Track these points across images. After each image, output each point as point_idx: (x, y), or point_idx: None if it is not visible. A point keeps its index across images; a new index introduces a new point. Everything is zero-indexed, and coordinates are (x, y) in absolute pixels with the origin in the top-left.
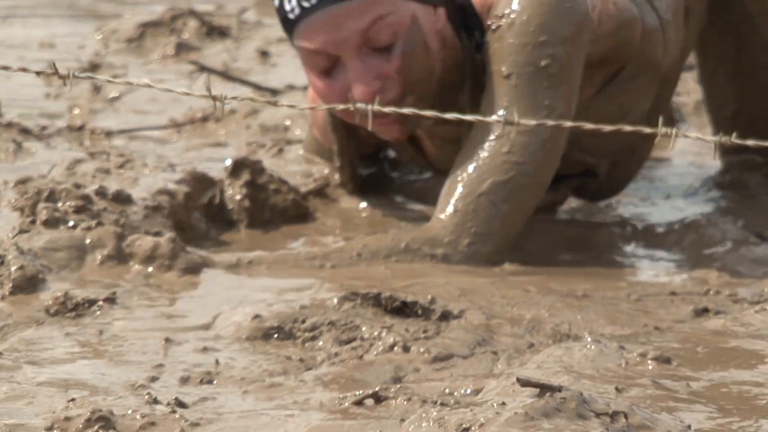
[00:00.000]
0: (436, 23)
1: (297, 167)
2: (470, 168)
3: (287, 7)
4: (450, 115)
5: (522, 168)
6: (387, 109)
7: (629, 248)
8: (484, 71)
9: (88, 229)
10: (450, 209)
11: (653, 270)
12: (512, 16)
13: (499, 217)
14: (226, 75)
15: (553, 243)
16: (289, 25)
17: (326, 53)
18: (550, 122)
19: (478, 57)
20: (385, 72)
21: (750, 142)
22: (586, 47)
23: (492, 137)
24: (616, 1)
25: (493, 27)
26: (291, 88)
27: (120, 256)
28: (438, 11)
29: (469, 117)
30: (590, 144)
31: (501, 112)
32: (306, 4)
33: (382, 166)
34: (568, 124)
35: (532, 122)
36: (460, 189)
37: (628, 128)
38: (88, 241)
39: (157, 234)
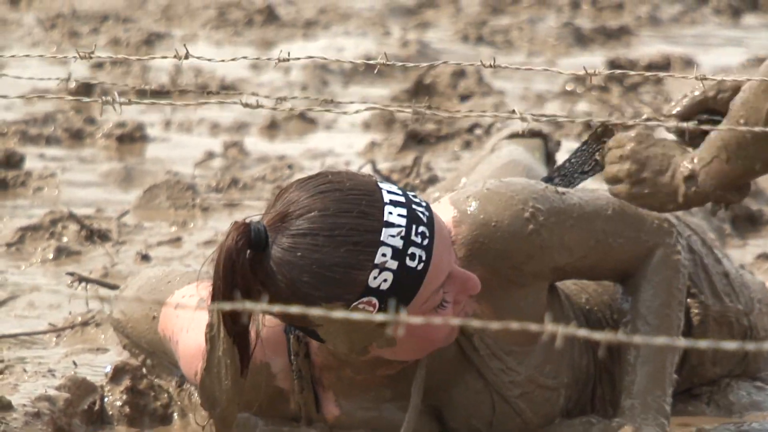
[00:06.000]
0: None
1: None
2: None
3: (412, 264)
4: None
5: None
6: (276, 308)
7: None
8: None
9: None
10: None
11: None
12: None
13: None
14: (105, 283)
15: None
16: (420, 276)
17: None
18: (437, 319)
19: None
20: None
21: None
22: None
23: None
24: None
25: None
26: None
27: None
28: None
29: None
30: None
31: None
32: (426, 242)
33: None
34: (455, 321)
35: (419, 319)
36: None
37: (515, 325)
38: None
39: None
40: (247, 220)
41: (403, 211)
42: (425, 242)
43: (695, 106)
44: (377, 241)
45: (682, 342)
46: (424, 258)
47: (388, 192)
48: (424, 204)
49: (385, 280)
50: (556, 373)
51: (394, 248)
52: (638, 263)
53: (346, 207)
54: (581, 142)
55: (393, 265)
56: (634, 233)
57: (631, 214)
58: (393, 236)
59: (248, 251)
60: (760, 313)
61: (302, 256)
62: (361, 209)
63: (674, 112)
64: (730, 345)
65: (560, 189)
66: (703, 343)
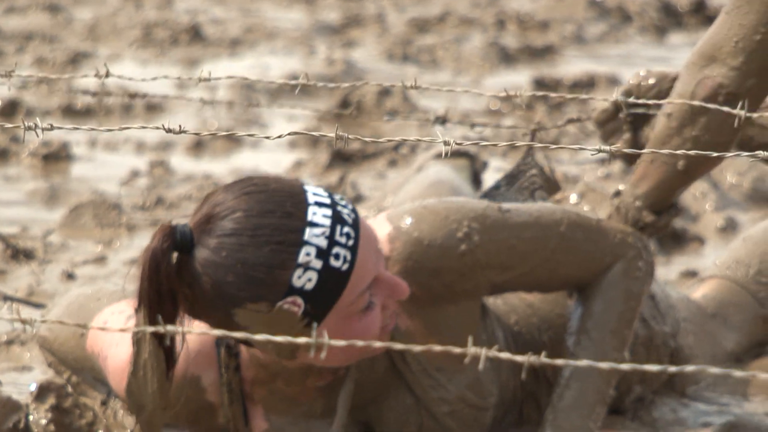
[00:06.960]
0: None
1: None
2: None
3: (337, 264)
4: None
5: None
6: (197, 331)
7: None
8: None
9: None
10: None
11: None
12: None
13: None
14: (30, 303)
15: None
16: (344, 276)
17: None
18: (360, 343)
19: None
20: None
21: None
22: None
23: None
24: None
25: None
26: None
27: None
28: None
29: (279, 339)
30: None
31: None
32: (351, 243)
33: None
34: (378, 344)
35: (342, 343)
36: None
37: (438, 348)
38: None
39: None
40: (173, 223)
41: (328, 212)
42: (350, 243)
43: (622, 97)
44: (300, 240)
45: (603, 365)
46: (349, 258)
47: (314, 194)
48: (349, 206)
49: (309, 280)
50: (485, 393)
51: (318, 248)
52: (594, 277)
53: (270, 207)
54: (524, 156)
55: (317, 264)
56: (590, 249)
57: (590, 229)
58: (317, 236)
59: (174, 253)
60: (685, 332)
61: (227, 257)
62: (285, 210)
63: (602, 108)
64: (653, 367)
65: (505, 206)
66: (625, 366)
